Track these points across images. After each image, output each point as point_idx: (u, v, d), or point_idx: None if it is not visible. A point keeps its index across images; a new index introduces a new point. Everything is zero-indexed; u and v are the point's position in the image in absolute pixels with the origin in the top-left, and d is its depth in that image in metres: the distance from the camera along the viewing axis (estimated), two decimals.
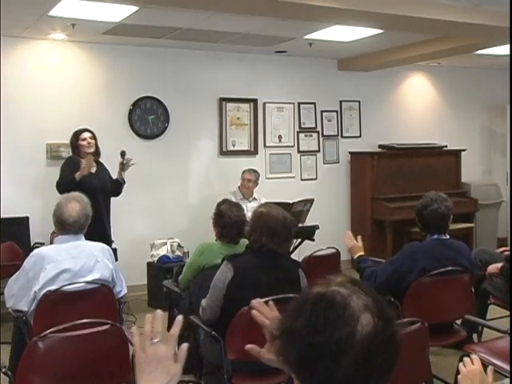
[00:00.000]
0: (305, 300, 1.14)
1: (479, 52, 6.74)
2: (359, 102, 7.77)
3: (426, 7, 4.78)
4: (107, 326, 2.74)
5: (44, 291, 3.17)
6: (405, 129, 8.03)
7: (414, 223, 3.87)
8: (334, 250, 4.66)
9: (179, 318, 1.37)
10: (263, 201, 5.83)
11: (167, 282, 4.82)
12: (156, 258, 5.96)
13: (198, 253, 3.84)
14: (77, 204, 3.37)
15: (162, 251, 5.99)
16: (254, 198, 6.31)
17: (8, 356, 3.37)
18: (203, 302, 3.27)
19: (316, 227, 6.02)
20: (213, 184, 6.78)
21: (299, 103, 7.36)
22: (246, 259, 3.18)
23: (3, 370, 2.72)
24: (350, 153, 7.66)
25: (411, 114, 8.17)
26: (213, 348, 3.16)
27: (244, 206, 6.00)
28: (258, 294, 2.57)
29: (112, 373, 2.74)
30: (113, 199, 5.32)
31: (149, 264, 6.06)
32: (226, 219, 3.71)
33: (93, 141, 5.10)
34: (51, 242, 3.71)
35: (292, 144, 7.35)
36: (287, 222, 3.21)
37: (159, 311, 1.36)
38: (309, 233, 5.95)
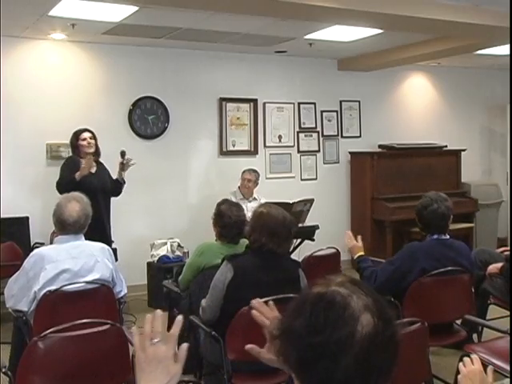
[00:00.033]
0: (304, 300, 1.14)
1: (479, 52, 6.74)
2: (359, 102, 7.77)
3: (425, 7, 4.78)
4: (107, 326, 2.74)
5: (44, 291, 3.17)
6: (405, 129, 8.03)
7: (414, 223, 3.87)
8: (333, 250, 4.66)
9: (179, 318, 1.37)
10: (263, 201, 5.83)
11: (167, 282, 4.82)
12: (156, 258, 5.96)
13: (197, 253, 3.84)
14: (77, 204, 3.37)
15: (162, 251, 5.99)
16: (254, 198, 6.31)
17: (8, 356, 3.37)
18: (203, 302, 3.27)
19: (316, 227, 6.02)
20: (213, 184, 6.79)
21: (299, 103, 7.36)
22: (246, 259, 3.18)
23: (3, 370, 2.72)
24: (349, 153, 7.66)
25: (411, 114, 8.18)
26: (213, 348, 3.16)
27: (244, 206, 6.00)
28: (257, 294, 2.57)
29: (112, 373, 2.74)
30: (113, 199, 5.32)
31: (149, 264, 6.06)
32: (226, 219, 3.71)
33: (93, 141, 5.10)
34: (51, 242, 3.71)
35: (292, 144, 7.35)
36: (287, 221, 3.21)
37: (159, 311, 1.36)
38: (309, 233, 5.95)
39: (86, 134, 5.09)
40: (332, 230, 6.71)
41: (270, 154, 7.21)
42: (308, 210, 6.03)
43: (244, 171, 6.39)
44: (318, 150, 7.53)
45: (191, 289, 3.80)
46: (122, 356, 2.74)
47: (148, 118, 6.49)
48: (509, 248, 4.82)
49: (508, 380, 2.66)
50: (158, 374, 1.30)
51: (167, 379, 1.32)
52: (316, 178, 7.51)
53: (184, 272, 3.93)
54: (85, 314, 2.82)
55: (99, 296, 3.35)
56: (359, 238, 3.86)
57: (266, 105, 7.13)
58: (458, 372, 1.73)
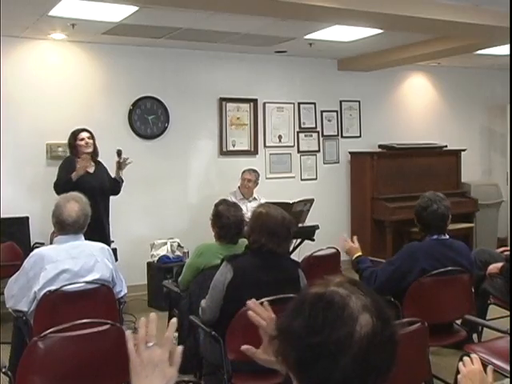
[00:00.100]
0: (303, 300, 1.14)
1: (479, 52, 6.74)
2: (359, 102, 7.77)
3: (425, 7, 4.78)
4: (107, 326, 2.74)
5: (44, 291, 3.17)
6: (405, 129, 8.04)
7: (414, 223, 3.86)
8: (333, 250, 4.66)
9: (173, 321, 1.36)
10: (263, 201, 5.83)
11: (167, 282, 4.82)
12: (156, 258, 5.96)
13: (196, 254, 3.84)
14: (76, 204, 3.37)
15: (162, 251, 5.99)
16: (254, 198, 6.31)
17: (8, 356, 3.37)
18: (203, 302, 3.27)
19: (316, 227, 6.02)
20: (213, 184, 6.79)
21: (299, 103, 7.36)
22: (246, 260, 3.18)
23: (3, 370, 2.72)
24: (350, 153, 7.66)
25: (411, 114, 8.18)
26: (213, 348, 3.16)
27: (244, 206, 6.04)
28: (257, 295, 2.57)
29: (112, 373, 2.74)
30: (113, 199, 5.32)
31: (149, 264, 6.06)
32: (224, 220, 3.71)
33: (91, 141, 5.08)
34: (51, 242, 3.71)
35: (292, 144, 7.35)
36: (286, 221, 3.21)
37: (153, 314, 1.35)
38: (309, 233, 5.95)
39: (84, 134, 5.08)
40: (332, 230, 6.71)
41: (270, 154, 7.21)
42: (308, 210, 6.03)
43: (244, 171, 6.39)
44: (318, 150, 7.53)
45: (191, 289, 3.80)
46: (122, 356, 2.72)
47: (148, 118, 6.49)
48: (509, 248, 4.82)
49: (508, 380, 2.66)
50: (154, 378, 1.29)
51: (163, 383, 1.30)
52: (316, 178, 7.51)
53: (184, 273, 3.93)
54: (85, 314, 2.82)
55: (99, 296, 3.35)
56: (355, 238, 3.86)
57: (266, 105, 7.13)
58: (457, 372, 1.73)
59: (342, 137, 7.69)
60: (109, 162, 5.29)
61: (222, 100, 6.85)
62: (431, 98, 8.37)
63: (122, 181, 5.26)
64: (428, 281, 3.51)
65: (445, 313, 3.61)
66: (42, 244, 5.17)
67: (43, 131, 5.91)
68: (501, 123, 8.65)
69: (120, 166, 5.20)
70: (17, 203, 5.76)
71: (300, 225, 5.80)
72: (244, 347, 1.58)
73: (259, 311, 1.62)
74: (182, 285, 3.94)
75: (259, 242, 3.14)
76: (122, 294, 3.58)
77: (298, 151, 7.39)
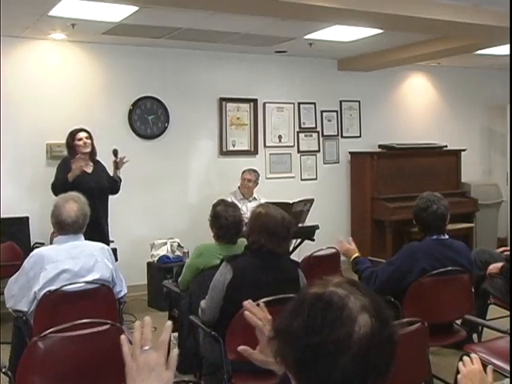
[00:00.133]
0: (302, 301, 1.15)
1: (479, 52, 6.74)
2: (359, 102, 7.77)
3: (425, 7, 4.78)
4: (107, 326, 2.74)
5: (44, 291, 3.17)
6: (405, 129, 8.04)
7: (414, 223, 3.87)
8: (333, 250, 4.65)
9: (168, 324, 1.36)
10: (263, 201, 5.83)
11: (167, 282, 4.82)
12: (156, 258, 5.96)
13: (196, 254, 3.85)
14: (74, 204, 3.37)
15: (162, 251, 5.99)
16: (254, 198, 6.31)
17: (8, 356, 3.37)
18: (202, 303, 3.27)
19: (316, 227, 6.02)
20: (213, 184, 6.79)
21: (299, 103, 7.36)
22: (245, 260, 3.17)
23: (3, 370, 2.72)
24: (350, 153, 7.66)
25: (411, 114, 8.18)
26: (213, 348, 3.16)
27: (244, 206, 6.06)
28: (257, 295, 2.58)
29: (112, 373, 2.74)
30: (113, 199, 5.32)
31: (149, 264, 6.06)
32: (223, 220, 3.71)
33: (89, 141, 5.07)
34: (51, 242, 3.71)
35: (292, 144, 7.35)
36: (286, 221, 3.21)
37: (148, 318, 1.33)
38: (309, 233, 5.95)
39: (82, 134, 5.06)
40: (332, 230, 6.71)
41: (270, 154, 7.21)
42: (308, 210, 6.03)
43: (244, 171, 6.39)
44: (318, 150, 7.53)
45: (191, 289, 3.80)
46: (122, 356, 2.73)
47: (148, 118, 6.49)
48: (509, 248, 4.82)
49: (508, 380, 2.66)
50: (150, 381, 1.27)
51: None
52: (316, 178, 7.51)
53: (183, 273, 3.93)
54: (85, 314, 2.82)
55: (99, 296, 3.35)
56: (350, 239, 3.87)
57: (266, 105, 7.13)
58: (457, 372, 1.73)
59: (341, 137, 7.69)
60: (109, 162, 5.29)
61: (222, 100, 6.85)
62: (431, 98, 8.37)
63: (120, 180, 5.25)
64: (428, 281, 3.51)
65: (445, 313, 3.61)
66: (42, 244, 5.17)
67: (43, 131, 5.91)
68: (501, 123, 8.65)
69: (117, 165, 5.20)
70: (17, 203, 5.76)
71: (300, 225, 5.80)
72: (241, 348, 1.59)
73: (255, 312, 1.62)
74: (182, 285, 3.94)
75: (259, 243, 3.14)
76: (122, 293, 3.58)
77: (298, 151, 7.40)
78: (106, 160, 5.27)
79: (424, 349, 2.88)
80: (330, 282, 1.16)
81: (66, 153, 5.24)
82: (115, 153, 5.19)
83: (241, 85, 6.97)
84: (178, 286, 4.06)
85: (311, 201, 6.05)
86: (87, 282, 3.29)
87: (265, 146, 7.17)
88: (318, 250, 4.61)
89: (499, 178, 8.59)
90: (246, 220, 3.61)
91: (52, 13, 4.88)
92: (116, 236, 5.45)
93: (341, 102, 7.65)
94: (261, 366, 1.57)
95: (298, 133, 7.38)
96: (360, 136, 7.79)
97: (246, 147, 7.05)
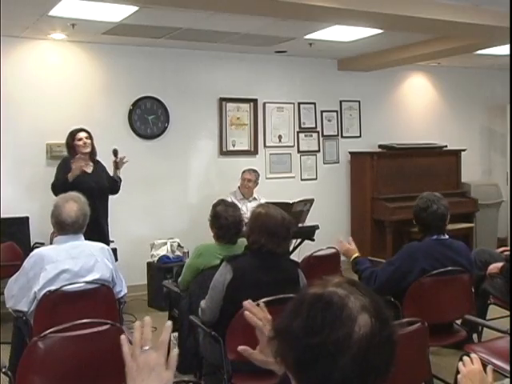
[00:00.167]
0: (302, 301, 1.15)
1: (479, 52, 6.74)
2: (359, 102, 7.77)
3: (425, 7, 4.78)
4: (107, 326, 2.74)
5: (44, 291, 3.17)
6: (405, 129, 8.04)
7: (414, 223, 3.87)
8: (333, 250, 4.65)
9: (168, 324, 1.35)
10: (263, 201, 5.83)
11: (167, 282, 4.82)
12: (156, 258, 5.96)
13: (196, 254, 3.85)
14: (74, 204, 3.37)
15: (162, 251, 5.99)
16: (254, 198, 6.31)
17: (8, 356, 3.37)
18: (202, 303, 3.27)
19: (316, 227, 6.02)
20: (213, 184, 6.79)
21: (299, 103, 7.36)
22: (245, 260, 3.17)
23: (3, 370, 2.72)
24: (350, 153, 7.66)
25: (411, 114, 8.18)
26: (213, 348, 3.16)
27: (244, 206, 6.06)
28: (257, 295, 2.58)
29: (112, 373, 2.74)
30: (113, 199, 5.32)
31: (149, 264, 6.06)
32: (223, 221, 3.71)
33: (89, 141, 5.07)
34: (51, 242, 3.71)
35: (292, 144, 7.35)
36: (286, 221, 3.20)
37: (148, 318, 1.33)
38: (309, 233, 5.95)
39: (82, 134, 5.06)
40: (332, 230, 6.71)
41: (270, 154, 7.21)
42: (308, 210, 6.03)
43: (244, 171, 6.39)
44: (318, 150, 7.53)
45: (191, 289, 3.80)
46: (122, 356, 2.73)
47: (148, 118, 6.49)
48: (509, 248, 4.82)
49: (508, 380, 2.66)
50: (150, 382, 1.27)
51: None
52: (316, 178, 7.51)
53: (183, 273, 3.93)
54: (85, 314, 2.82)
55: (99, 296, 3.35)
56: (350, 239, 3.87)
57: (266, 105, 7.13)
58: (457, 372, 1.73)
59: (342, 137, 7.69)
60: (109, 162, 5.29)
61: (222, 100, 6.85)
62: (431, 98, 8.37)
63: (120, 180, 5.25)
64: (428, 281, 3.51)
65: (445, 313, 3.61)
66: (42, 244, 5.17)
67: (43, 131, 5.91)
68: (501, 123, 8.65)
69: (117, 165, 5.20)
70: (17, 203, 5.76)
71: (300, 225, 5.80)
72: (241, 348, 1.59)
73: (255, 312, 1.62)
74: (182, 285, 3.94)
75: (259, 243, 3.14)
76: (122, 293, 3.58)
77: (298, 151, 7.40)
78: (106, 160, 5.27)
79: (424, 349, 2.88)
80: (329, 282, 1.16)
81: (66, 153, 5.23)
82: (115, 153, 5.20)
83: (241, 85, 6.97)
84: (177, 286, 4.06)
85: (311, 201, 6.05)
86: (87, 282, 3.30)
87: (265, 145, 7.17)
88: (318, 250, 4.61)
89: (499, 178, 8.59)
90: (246, 220, 3.61)
91: (52, 13, 4.88)
92: (116, 236, 5.45)
93: (341, 101, 7.65)
94: (261, 366, 1.58)
95: (297, 133, 7.38)
96: (360, 136, 7.79)
97: (246, 147, 7.05)
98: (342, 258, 4.81)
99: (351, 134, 7.75)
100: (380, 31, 5.67)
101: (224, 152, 6.90)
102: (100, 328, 2.73)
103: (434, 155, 7.96)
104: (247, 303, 1.65)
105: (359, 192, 7.57)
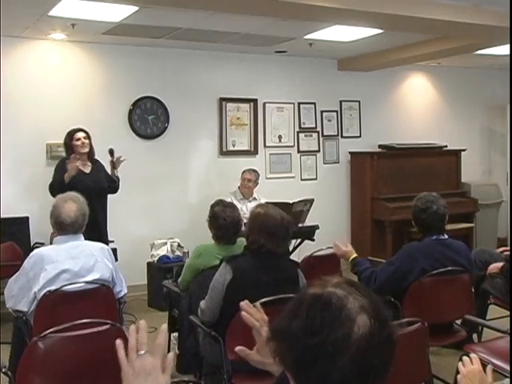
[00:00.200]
0: (301, 301, 1.15)
1: (479, 52, 6.74)
2: (359, 102, 7.77)
3: (425, 7, 4.78)
4: (107, 326, 2.74)
5: (44, 291, 3.17)
6: (405, 129, 8.04)
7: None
8: (333, 250, 4.64)
9: (163, 327, 1.35)
10: (263, 201, 5.83)
11: (167, 282, 4.82)
12: (156, 258, 5.96)
13: (195, 255, 3.85)
14: (73, 204, 3.36)
15: (162, 251, 5.99)
16: (254, 198, 6.31)
17: (8, 356, 3.37)
18: (202, 304, 3.27)
19: (316, 227, 6.02)
20: (213, 184, 6.79)
21: (299, 103, 7.36)
22: (245, 260, 3.17)
23: (3, 370, 2.72)
24: (350, 153, 7.66)
25: (411, 114, 8.18)
26: (213, 348, 3.16)
27: (244, 206, 6.06)
28: (257, 295, 2.58)
29: (112, 373, 2.73)
30: (113, 199, 5.32)
31: (149, 264, 6.06)
32: (221, 221, 3.71)
33: (87, 141, 5.05)
34: (51, 242, 3.70)
35: (292, 144, 7.35)
36: (285, 221, 3.20)
37: (143, 322, 1.33)
38: (309, 233, 5.95)
39: (80, 134, 5.05)
40: (332, 230, 6.71)
41: (270, 154, 7.21)
42: (308, 210, 6.03)
43: (244, 171, 6.39)
44: (318, 150, 7.53)
45: (191, 289, 3.80)
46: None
47: (148, 118, 6.49)
48: (509, 248, 4.82)
49: (508, 380, 2.66)
50: None
51: None
52: (316, 178, 7.51)
53: (183, 273, 3.93)
54: (85, 314, 2.82)
55: (99, 296, 3.35)
56: (345, 241, 3.88)
57: (266, 105, 7.13)
58: (457, 372, 1.73)
59: (342, 137, 7.69)
60: (108, 162, 5.28)
61: (222, 100, 6.85)
62: (431, 98, 8.37)
63: (118, 179, 5.25)
64: (428, 281, 3.51)
65: (445, 313, 3.61)
66: (42, 244, 5.17)
67: (43, 131, 5.91)
68: (501, 123, 8.65)
69: (114, 164, 5.19)
70: (17, 203, 5.76)
71: (300, 225, 5.81)
72: (238, 348, 1.59)
73: (252, 312, 1.62)
74: (182, 285, 3.94)
75: (258, 243, 3.14)
76: (122, 293, 3.58)
77: (298, 151, 7.40)
78: (106, 160, 5.27)
79: (424, 349, 2.88)
80: (328, 282, 1.16)
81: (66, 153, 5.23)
82: (111, 152, 5.19)
83: (241, 85, 6.97)
84: (177, 286, 4.06)
85: (311, 201, 6.05)
86: (87, 282, 3.30)
87: (265, 146, 7.17)
88: (318, 250, 4.60)
89: (499, 178, 8.59)
90: (246, 220, 3.61)
91: (52, 13, 4.88)
92: (116, 236, 5.45)
93: (341, 101, 7.65)
94: (257, 366, 1.58)
95: (298, 133, 7.38)
96: (360, 136, 7.79)
97: (246, 147, 7.05)
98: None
99: (351, 133, 7.75)
100: (380, 31, 5.67)
101: (224, 152, 6.90)
102: (100, 328, 2.73)
103: (434, 155, 7.96)
104: (244, 304, 1.65)
105: (359, 192, 7.57)
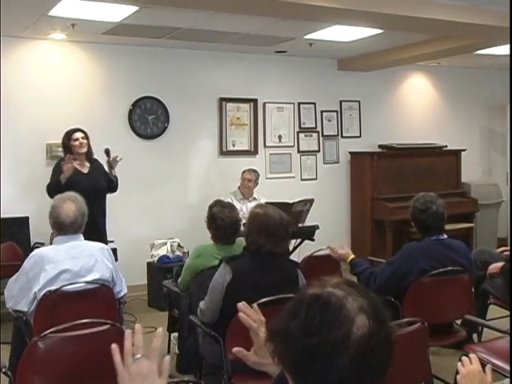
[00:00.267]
0: (300, 301, 1.15)
1: (479, 52, 6.74)
2: (359, 102, 7.77)
3: (425, 7, 4.78)
4: (107, 326, 2.74)
5: (44, 291, 3.17)
6: (405, 129, 8.04)
7: None
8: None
9: (159, 330, 1.35)
10: (263, 201, 5.83)
11: (167, 282, 4.82)
12: (156, 258, 5.96)
13: (194, 255, 3.85)
14: (72, 204, 3.36)
15: (162, 251, 5.99)
16: (254, 198, 6.32)
17: (8, 356, 3.37)
18: (201, 304, 3.27)
19: (316, 227, 6.02)
20: (213, 184, 6.79)
21: (299, 103, 7.36)
22: (244, 261, 3.17)
23: (3, 370, 2.72)
24: (350, 153, 7.66)
25: (411, 114, 8.18)
26: (212, 348, 3.16)
27: (244, 206, 6.06)
28: (257, 296, 2.58)
29: (112, 373, 2.73)
30: (113, 199, 5.32)
31: (149, 264, 6.06)
32: (219, 221, 3.71)
33: (85, 141, 5.04)
34: (51, 242, 3.71)
35: (292, 144, 7.35)
36: (284, 221, 3.20)
37: (138, 326, 1.33)
38: (309, 233, 5.95)
39: (78, 134, 5.03)
40: (332, 230, 6.71)
41: (270, 154, 7.21)
42: (308, 210, 6.03)
43: (244, 171, 6.39)
44: (318, 150, 7.53)
45: (191, 289, 3.80)
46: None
47: (148, 118, 6.49)
48: (509, 248, 4.82)
49: (508, 380, 2.66)
50: None
51: None
52: (316, 178, 7.51)
53: (183, 274, 3.94)
54: (85, 314, 2.82)
55: (99, 296, 3.35)
56: (341, 243, 3.88)
57: (266, 105, 7.13)
58: (457, 372, 1.74)
59: (342, 137, 7.69)
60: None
61: (222, 100, 6.85)
62: (431, 98, 8.37)
63: (117, 179, 5.23)
64: (428, 281, 3.51)
65: (445, 313, 3.61)
66: (42, 244, 5.17)
67: (43, 131, 5.91)
68: (501, 123, 8.65)
69: (111, 164, 5.18)
70: (17, 203, 5.76)
71: (300, 225, 5.81)
72: (235, 349, 1.60)
73: (250, 313, 1.63)
74: (182, 286, 3.95)
75: (258, 243, 3.13)
76: (122, 293, 3.58)
77: (298, 151, 7.40)
78: (105, 160, 5.26)
79: (424, 349, 2.88)
80: (327, 282, 1.16)
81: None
82: (107, 152, 5.17)
83: (241, 85, 6.97)
84: (177, 286, 4.06)
85: (311, 201, 6.05)
86: (87, 282, 3.30)
87: (265, 145, 7.17)
88: (318, 250, 4.60)
89: (499, 178, 8.59)
90: (246, 220, 3.61)
91: (52, 13, 4.88)
92: (116, 236, 5.45)
93: (341, 101, 7.65)
94: (255, 367, 1.58)
95: (298, 133, 7.38)
96: (360, 136, 7.79)
97: (246, 147, 7.05)
98: None
99: (351, 133, 7.75)
100: (380, 31, 5.67)
101: (224, 152, 6.90)
102: (100, 328, 2.73)
103: (434, 155, 7.96)
104: (241, 305, 1.65)
105: (359, 192, 7.57)
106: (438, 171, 7.82)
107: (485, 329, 3.82)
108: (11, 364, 3.13)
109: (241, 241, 3.57)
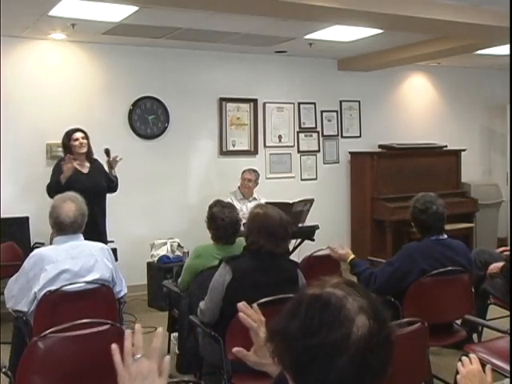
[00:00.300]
0: (300, 301, 1.15)
1: (479, 52, 6.74)
2: (359, 102, 7.77)
3: (425, 7, 4.78)
4: (107, 326, 2.74)
5: (44, 291, 3.17)
6: (405, 129, 8.04)
7: None
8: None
9: (159, 331, 1.35)
10: (263, 201, 5.83)
11: (167, 282, 4.82)
12: (156, 258, 5.96)
13: (194, 255, 3.85)
14: (72, 204, 3.36)
15: (162, 251, 5.99)
16: (254, 198, 6.32)
17: (8, 356, 3.37)
18: (201, 304, 3.26)
19: (316, 227, 6.02)
20: (213, 184, 6.79)
21: (299, 103, 7.36)
22: (244, 261, 3.17)
23: (3, 370, 2.72)
24: (350, 153, 7.66)
25: (411, 114, 8.18)
26: (213, 348, 3.16)
27: (244, 206, 6.06)
28: (257, 296, 2.58)
29: (112, 373, 2.73)
30: (113, 199, 5.32)
31: (149, 264, 6.06)
32: (219, 221, 3.71)
33: (85, 141, 5.03)
34: (51, 242, 3.71)
35: (292, 144, 7.35)
36: (284, 221, 3.20)
37: (138, 326, 1.33)
38: (309, 233, 5.95)
39: (78, 134, 5.03)
40: (332, 230, 6.71)
41: (270, 154, 7.21)
42: (308, 210, 6.03)
43: (244, 171, 6.39)
44: (318, 150, 7.53)
45: (191, 289, 3.80)
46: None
47: (148, 118, 6.49)
48: (509, 248, 4.82)
49: (508, 380, 2.66)
50: None
51: None
52: (316, 178, 7.51)
53: (183, 274, 3.94)
54: (85, 314, 2.82)
55: (99, 296, 3.35)
56: (341, 243, 3.88)
57: (266, 105, 7.13)
58: (457, 372, 1.74)
59: (342, 137, 7.69)
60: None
61: (222, 100, 6.85)
62: (431, 98, 8.37)
63: (117, 179, 5.23)
64: (428, 281, 3.51)
65: (445, 313, 3.61)
66: (42, 244, 5.17)
67: (43, 131, 5.91)
68: (501, 123, 8.65)
69: (110, 164, 5.17)
70: (17, 203, 5.76)
71: (300, 225, 5.81)
72: (235, 349, 1.60)
73: (249, 313, 1.63)
74: (182, 286, 3.95)
75: (258, 244, 3.13)
76: (122, 293, 3.58)
77: (298, 151, 7.40)
78: (104, 160, 5.26)
79: (424, 349, 2.88)
80: (327, 282, 1.16)
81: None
82: (107, 152, 5.17)
83: (241, 85, 6.97)
84: (177, 286, 4.06)
85: (311, 201, 6.05)
86: (87, 282, 3.30)
87: (265, 145, 7.17)
88: (318, 250, 4.60)
89: (499, 178, 8.59)
90: (246, 220, 3.61)
91: (52, 13, 4.88)
92: (116, 236, 5.45)
93: (341, 101, 7.66)
94: (254, 367, 1.58)
95: (298, 133, 7.38)
96: (360, 136, 7.79)
97: (246, 147, 7.05)
98: None
99: (351, 133, 7.75)
100: (380, 31, 5.67)
101: (224, 152, 6.90)
102: (100, 328, 2.73)
103: (434, 155, 7.96)
104: (241, 305, 1.66)
105: (359, 192, 7.57)
106: (437, 171, 7.81)
107: (485, 329, 3.82)
108: (11, 364, 3.13)
109: (241, 241, 3.57)
